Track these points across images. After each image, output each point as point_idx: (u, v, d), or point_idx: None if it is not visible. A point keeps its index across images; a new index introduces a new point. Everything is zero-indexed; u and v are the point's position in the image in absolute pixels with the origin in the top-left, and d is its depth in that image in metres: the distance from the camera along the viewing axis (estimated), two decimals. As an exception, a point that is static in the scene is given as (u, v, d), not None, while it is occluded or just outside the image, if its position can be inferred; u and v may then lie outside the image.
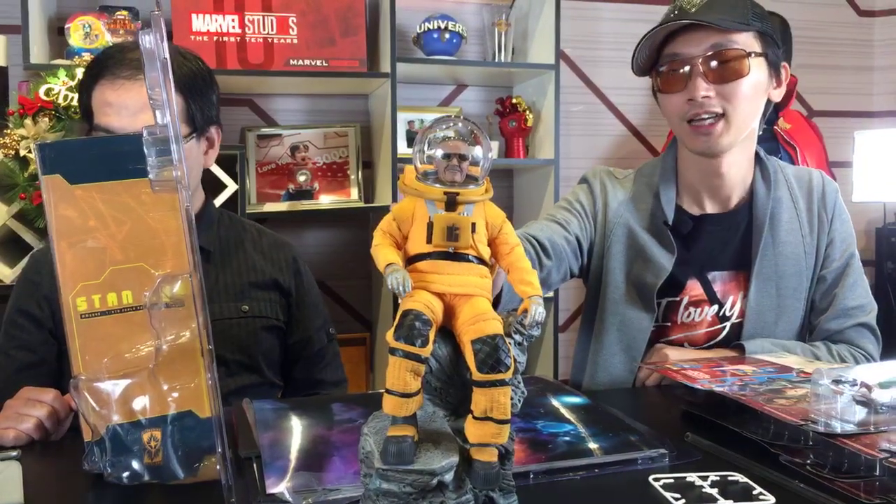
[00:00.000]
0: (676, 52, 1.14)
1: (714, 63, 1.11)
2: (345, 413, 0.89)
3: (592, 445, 0.81)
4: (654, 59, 1.18)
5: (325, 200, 2.31)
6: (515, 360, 0.61)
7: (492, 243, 0.63)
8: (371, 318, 2.51)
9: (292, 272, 1.27)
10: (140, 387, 0.70)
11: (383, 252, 0.61)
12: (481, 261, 0.62)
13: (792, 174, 1.27)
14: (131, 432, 0.70)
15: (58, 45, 2.10)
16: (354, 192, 2.33)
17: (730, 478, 0.75)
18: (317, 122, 2.36)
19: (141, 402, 0.70)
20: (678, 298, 1.23)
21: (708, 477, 0.75)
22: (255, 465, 0.76)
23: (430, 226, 0.61)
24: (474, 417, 0.56)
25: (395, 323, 0.57)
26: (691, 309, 1.23)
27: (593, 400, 0.96)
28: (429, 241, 0.60)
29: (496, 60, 2.37)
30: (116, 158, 0.76)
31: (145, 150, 0.68)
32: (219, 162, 1.99)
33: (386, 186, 2.23)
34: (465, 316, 0.58)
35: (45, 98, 1.70)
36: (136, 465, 0.70)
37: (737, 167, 1.21)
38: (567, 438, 0.83)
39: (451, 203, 0.61)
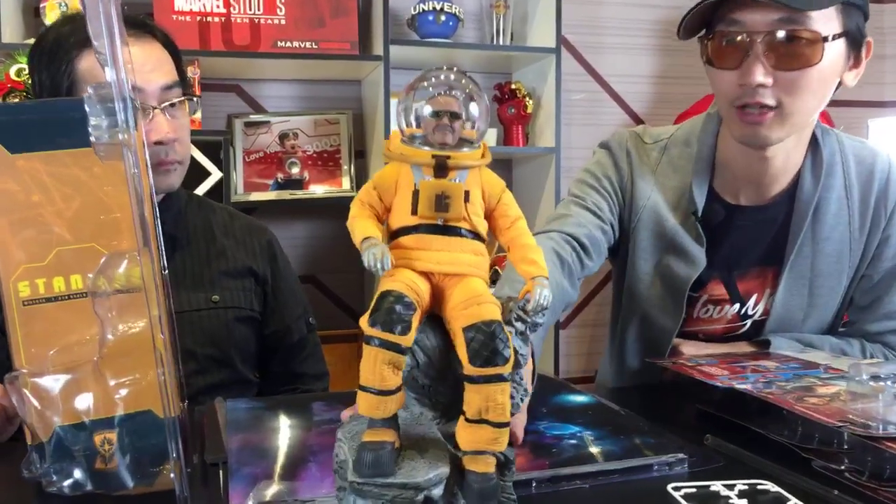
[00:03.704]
0: (735, 20, 0.91)
1: (779, 42, 0.89)
2: (326, 413, 0.81)
3: (602, 449, 0.72)
4: (706, 18, 0.95)
5: (316, 190, 2.22)
6: (517, 353, 0.52)
7: (490, 216, 0.54)
8: (363, 314, 2.42)
9: (267, 258, 1.18)
10: (84, 383, 0.61)
11: (360, 224, 0.52)
12: (476, 235, 0.53)
13: (852, 154, 1.08)
14: (73, 435, 0.61)
15: (33, 27, 2.01)
16: (346, 182, 2.24)
17: (759, 486, 0.66)
18: (307, 109, 2.27)
19: (85, 401, 0.61)
20: (696, 295, 1.11)
21: (735, 486, 0.66)
22: (221, 473, 0.68)
23: (415, 194, 0.52)
24: (467, 420, 0.48)
25: (371, 306, 0.48)
26: (710, 306, 1.11)
27: (599, 398, 0.88)
28: (414, 212, 0.52)
29: (494, 44, 2.27)
30: (64, 125, 0.67)
31: (88, 110, 0.59)
32: (202, 148, 1.90)
33: (379, 176, 2.13)
34: (457, 299, 0.50)
35: (15, 78, 1.61)
36: (78, 472, 0.61)
37: (785, 154, 1.03)
38: (573, 442, 0.74)
39: (441, 168, 0.52)
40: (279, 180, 2.19)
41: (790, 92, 0.92)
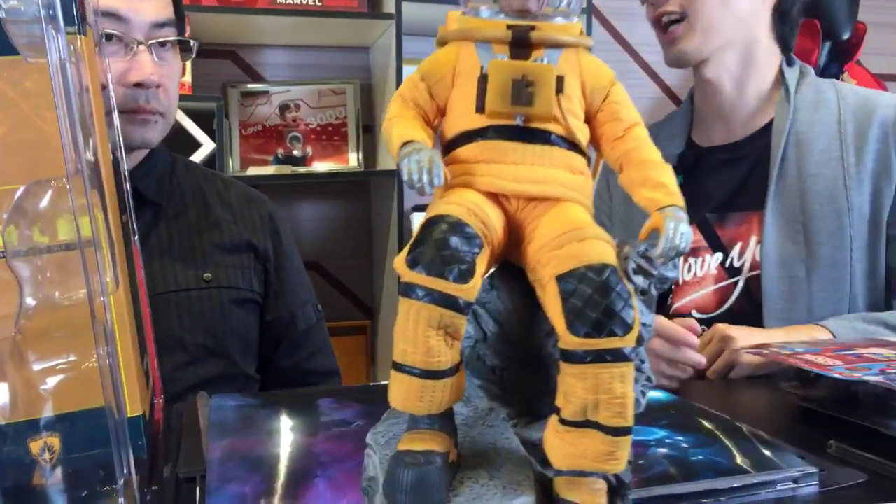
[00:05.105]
0: None
1: None
2: (336, 412, 0.64)
3: (704, 461, 0.55)
4: None
5: (320, 168, 2.04)
6: (638, 321, 0.34)
7: (592, 120, 0.37)
8: (372, 305, 2.24)
9: (269, 232, 1.02)
10: (2, 369, 0.44)
11: (400, 126, 0.35)
12: (573, 146, 0.35)
13: (852, 96, 1.04)
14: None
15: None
16: (353, 159, 2.06)
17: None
18: (310, 79, 2.09)
19: (0, 395, 0.43)
20: None
21: (900, 513, 0.49)
22: (198, 490, 0.51)
23: (482, 81, 0.34)
24: (563, 421, 0.31)
25: (413, 239, 0.31)
26: (691, 260, 1.06)
27: (679, 395, 0.71)
28: (480, 108, 0.34)
29: (515, 9, 2.08)
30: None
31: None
32: (193, 116, 1.73)
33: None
34: (545, 235, 0.32)
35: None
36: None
37: (731, 77, 1.06)
38: (664, 451, 0.57)
39: (521, 43, 0.35)
40: (279, 156, 2.01)
41: None
